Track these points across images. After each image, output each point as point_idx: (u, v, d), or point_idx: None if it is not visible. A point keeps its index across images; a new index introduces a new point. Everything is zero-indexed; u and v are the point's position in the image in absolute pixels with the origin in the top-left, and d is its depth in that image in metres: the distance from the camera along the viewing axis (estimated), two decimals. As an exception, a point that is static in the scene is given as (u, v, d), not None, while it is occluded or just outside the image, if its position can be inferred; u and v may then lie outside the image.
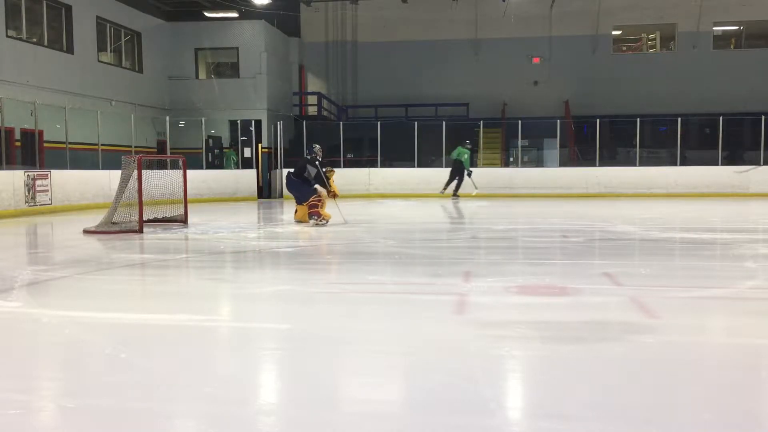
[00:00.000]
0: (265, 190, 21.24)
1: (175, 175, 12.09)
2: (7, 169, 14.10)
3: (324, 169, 11.20)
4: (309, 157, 11.26)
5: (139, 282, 6.49)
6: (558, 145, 21.29)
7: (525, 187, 19.65)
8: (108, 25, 19.41)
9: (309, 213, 10.84)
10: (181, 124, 20.79)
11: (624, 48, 26.03)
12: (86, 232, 10.15)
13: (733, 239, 9.26)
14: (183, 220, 11.30)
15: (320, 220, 10.75)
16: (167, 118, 19.69)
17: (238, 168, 20.64)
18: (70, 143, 16.35)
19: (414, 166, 20.81)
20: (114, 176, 13.56)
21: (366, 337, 4.18)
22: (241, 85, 21.48)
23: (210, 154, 21.02)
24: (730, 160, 20.41)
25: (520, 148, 21.98)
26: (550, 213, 13.72)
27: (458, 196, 18.44)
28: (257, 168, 20.99)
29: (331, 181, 11.26)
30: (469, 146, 18.76)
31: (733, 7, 23.85)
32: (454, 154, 18.52)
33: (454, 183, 18.47)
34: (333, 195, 11.14)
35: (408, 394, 3.17)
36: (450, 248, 8.95)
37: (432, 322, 4.49)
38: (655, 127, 22.69)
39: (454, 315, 4.75)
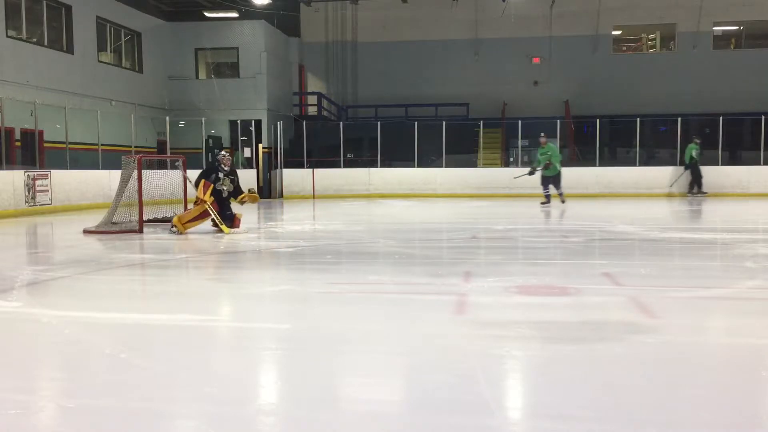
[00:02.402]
0: (265, 190, 21.24)
1: (175, 175, 12.09)
2: (7, 169, 14.11)
3: (249, 190, 10.59)
4: (214, 164, 10.41)
5: (139, 282, 6.50)
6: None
7: (525, 187, 19.60)
8: (108, 25, 19.41)
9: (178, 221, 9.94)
10: (181, 124, 20.80)
11: (624, 48, 26.01)
12: (86, 232, 10.15)
13: (733, 239, 9.25)
14: (183, 220, 11.28)
15: (173, 228, 9.87)
16: (167, 118, 19.69)
17: (245, 168, 20.63)
18: (70, 143, 16.35)
19: (414, 166, 20.82)
20: (114, 176, 13.57)
21: (366, 337, 4.18)
22: (241, 85, 21.48)
23: (210, 154, 21.01)
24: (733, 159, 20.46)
25: (520, 148, 21.98)
26: (550, 213, 13.72)
27: (704, 192, 18.64)
28: (257, 168, 21.00)
29: (199, 191, 9.97)
30: (696, 141, 18.88)
31: (733, 7, 23.84)
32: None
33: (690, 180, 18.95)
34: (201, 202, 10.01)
35: (408, 394, 3.17)
36: (450, 248, 8.95)
37: (432, 322, 4.49)
38: (655, 127, 22.68)
39: (454, 315, 4.75)
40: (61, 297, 5.69)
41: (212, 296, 5.72)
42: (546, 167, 15.32)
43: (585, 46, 24.67)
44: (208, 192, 9.99)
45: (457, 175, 20.41)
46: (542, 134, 16.07)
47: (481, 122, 21.96)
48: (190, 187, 11.91)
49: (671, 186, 19.20)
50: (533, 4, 23.86)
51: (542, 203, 15.48)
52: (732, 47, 25.48)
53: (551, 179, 15.44)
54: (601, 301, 5.13)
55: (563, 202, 15.53)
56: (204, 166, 19.62)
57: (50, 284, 6.13)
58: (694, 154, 18.67)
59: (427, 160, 21.31)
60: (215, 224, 9.99)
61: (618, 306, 4.98)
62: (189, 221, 9.96)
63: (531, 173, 15.96)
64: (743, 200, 17.64)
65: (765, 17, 23.65)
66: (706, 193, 18.66)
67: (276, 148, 20.91)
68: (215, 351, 3.99)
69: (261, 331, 4.42)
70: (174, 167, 12.47)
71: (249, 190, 10.68)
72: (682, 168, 19.14)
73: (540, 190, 16.03)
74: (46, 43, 17.03)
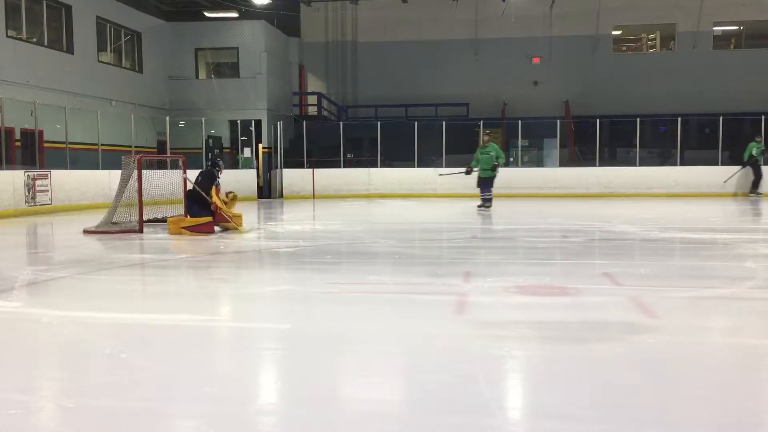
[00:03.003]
0: (265, 190, 21.24)
1: (175, 175, 12.08)
2: (7, 169, 14.10)
3: (228, 193, 10.48)
4: (209, 170, 10.38)
5: (139, 282, 6.50)
6: (558, 145, 21.29)
7: (525, 187, 19.63)
8: (108, 25, 19.41)
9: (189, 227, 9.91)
10: (181, 124, 20.80)
11: (624, 48, 26.02)
12: (86, 232, 10.15)
13: (733, 239, 9.25)
14: (183, 220, 11.27)
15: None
16: (167, 118, 19.69)
17: (254, 167, 20.62)
18: (70, 143, 16.35)
19: (414, 166, 20.81)
20: (114, 176, 13.57)
21: (366, 337, 4.18)
22: (241, 85, 21.48)
23: (210, 154, 21.01)
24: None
25: (520, 148, 21.98)
26: (550, 213, 13.71)
27: (759, 193, 18.41)
28: (257, 168, 20.99)
29: (215, 198, 10.02)
30: (758, 140, 18.64)
31: (733, 7, 23.83)
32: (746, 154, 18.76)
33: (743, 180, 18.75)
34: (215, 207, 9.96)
35: (408, 394, 3.17)
36: (450, 248, 8.95)
37: (432, 322, 4.49)
38: (655, 127, 22.68)
39: (454, 315, 4.75)
40: (61, 297, 5.69)
41: (212, 296, 5.72)
42: (494, 168, 14.13)
43: (585, 46, 24.67)
44: (220, 199, 10.07)
45: (457, 175, 20.39)
46: (487, 131, 15.38)
47: (481, 122, 21.90)
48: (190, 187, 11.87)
49: (725, 182, 18.94)
50: (533, 4, 23.86)
51: (479, 206, 14.25)
52: (732, 47, 25.48)
53: (490, 180, 14.24)
54: (601, 301, 5.13)
55: (487, 207, 14.17)
56: (204, 167, 19.76)
57: (50, 284, 6.13)
58: (754, 152, 18.52)
59: (427, 160, 21.29)
60: (227, 229, 9.98)
61: (618, 306, 4.98)
62: (187, 227, 9.86)
63: (468, 173, 14.84)
64: (743, 200, 17.63)
65: (765, 17, 23.65)
66: (760, 194, 18.38)
67: (276, 148, 20.91)
68: (215, 351, 3.99)
69: (261, 331, 4.42)
70: (175, 168, 12.45)
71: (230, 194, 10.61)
72: (739, 166, 18.90)
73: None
74: (46, 43, 17.03)
